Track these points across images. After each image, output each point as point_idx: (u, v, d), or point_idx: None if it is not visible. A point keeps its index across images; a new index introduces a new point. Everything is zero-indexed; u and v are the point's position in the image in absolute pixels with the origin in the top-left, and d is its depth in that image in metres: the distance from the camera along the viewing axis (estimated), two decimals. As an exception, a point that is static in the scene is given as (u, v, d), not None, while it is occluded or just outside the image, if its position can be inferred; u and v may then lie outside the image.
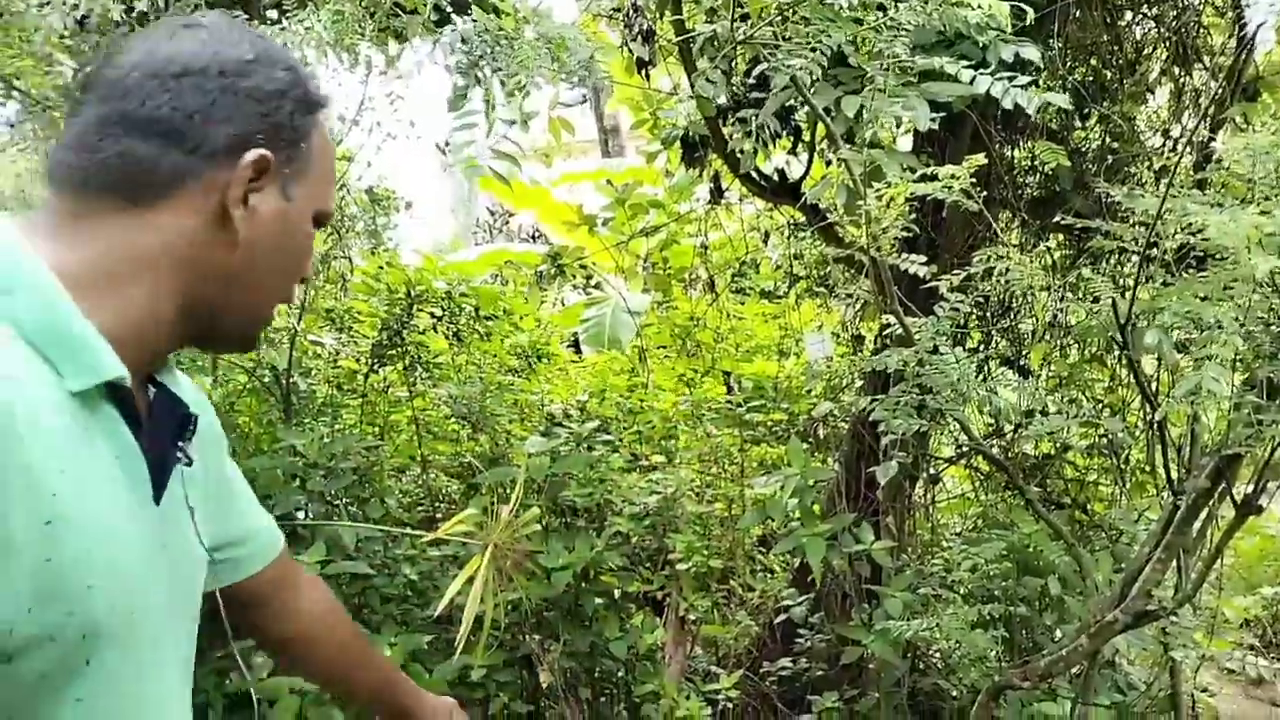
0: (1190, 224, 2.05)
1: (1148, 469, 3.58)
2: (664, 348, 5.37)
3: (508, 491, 3.44)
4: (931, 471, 4.20)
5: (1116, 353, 3.58)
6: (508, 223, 13.13)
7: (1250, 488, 2.21)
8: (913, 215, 2.51)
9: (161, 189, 0.85)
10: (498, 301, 4.83)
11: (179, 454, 0.93)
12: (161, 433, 0.91)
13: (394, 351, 4.16)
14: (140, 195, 0.84)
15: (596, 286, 6.57)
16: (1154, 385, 2.75)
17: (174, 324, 0.88)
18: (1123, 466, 3.65)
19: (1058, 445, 3.73)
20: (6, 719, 0.74)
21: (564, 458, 3.64)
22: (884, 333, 2.48)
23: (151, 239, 0.84)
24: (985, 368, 3.61)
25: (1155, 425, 2.22)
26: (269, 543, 1.25)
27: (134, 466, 0.85)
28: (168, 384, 0.94)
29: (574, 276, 7.89)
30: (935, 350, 2.25)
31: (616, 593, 3.76)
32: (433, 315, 4.30)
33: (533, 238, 11.05)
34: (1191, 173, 3.22)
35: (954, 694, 3.75)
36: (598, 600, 3.63)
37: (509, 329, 4.87)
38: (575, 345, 5.95)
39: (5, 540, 0.70)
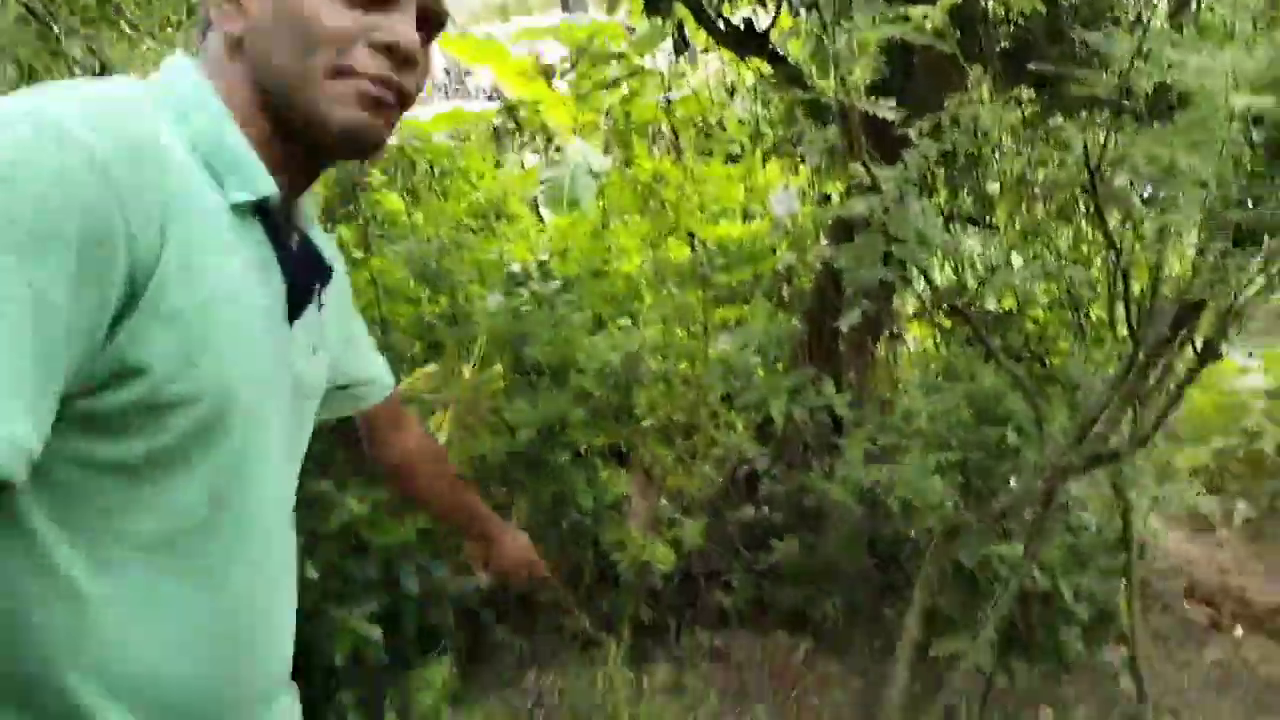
0: (1168, 65, 1.99)
1: (1108, 323, 3.62)
2: (627, 214, 5.28)
3: (469, 351, 3.43)
4: (894, 329, 4.23)
5: (1083, 208, 3.58)
6: (463, 82, 12.67)
7: (1211, 335, 2.24)
8: (883, 61, 2.43)
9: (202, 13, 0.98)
10: (453, 158, 4.68)
11: (316, 296, 1.06)
12: (303, 269, 1.02)
13: (348, 210, 4.04)
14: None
15: (557, 149, 6.41)
16: (1119, 241, 2.76)
17: (272, 133, 0.95)
18: (1083, 321, 3.70)
19: (1020, 300, 3.76)
20: (151, 481, 0.86)
21: (526, 317, 3.61)
22: (851, 185, 2.44)
23: (215, 54, 0.96)
24: (951, 225, 3.60)
25: (1118, 273, 2.22)
26: (384, 384, 1.41)
27: (274, 282, 0.96)
28: (312, 237, 1.08)
29: (534, 137, 7.68)
30: (901, 198, 2.22)
31: (582, 447, 3.81)
32: (386, 173, 4.17)
33: (490, 97, 10.68)
34: (1169, 18, 3.14)
35: (910, 536, 3.89)
36: (563, 455, 3.68)
37: (467, 188, 4.75)
38: (537, 209, 5.84)
39: (173, 310, 0.81)
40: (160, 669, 0.90)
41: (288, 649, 1.11)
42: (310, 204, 1.08)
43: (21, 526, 0.81)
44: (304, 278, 1.02)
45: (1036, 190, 3.58)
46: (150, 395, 0.81)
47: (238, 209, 0.90)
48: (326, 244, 1.13)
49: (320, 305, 1.07)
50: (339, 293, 1.18)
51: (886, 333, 4.17)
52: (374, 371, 1.37)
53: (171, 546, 0.89)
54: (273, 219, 0.95)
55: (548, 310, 3.71)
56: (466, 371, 3.15)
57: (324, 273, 1.07)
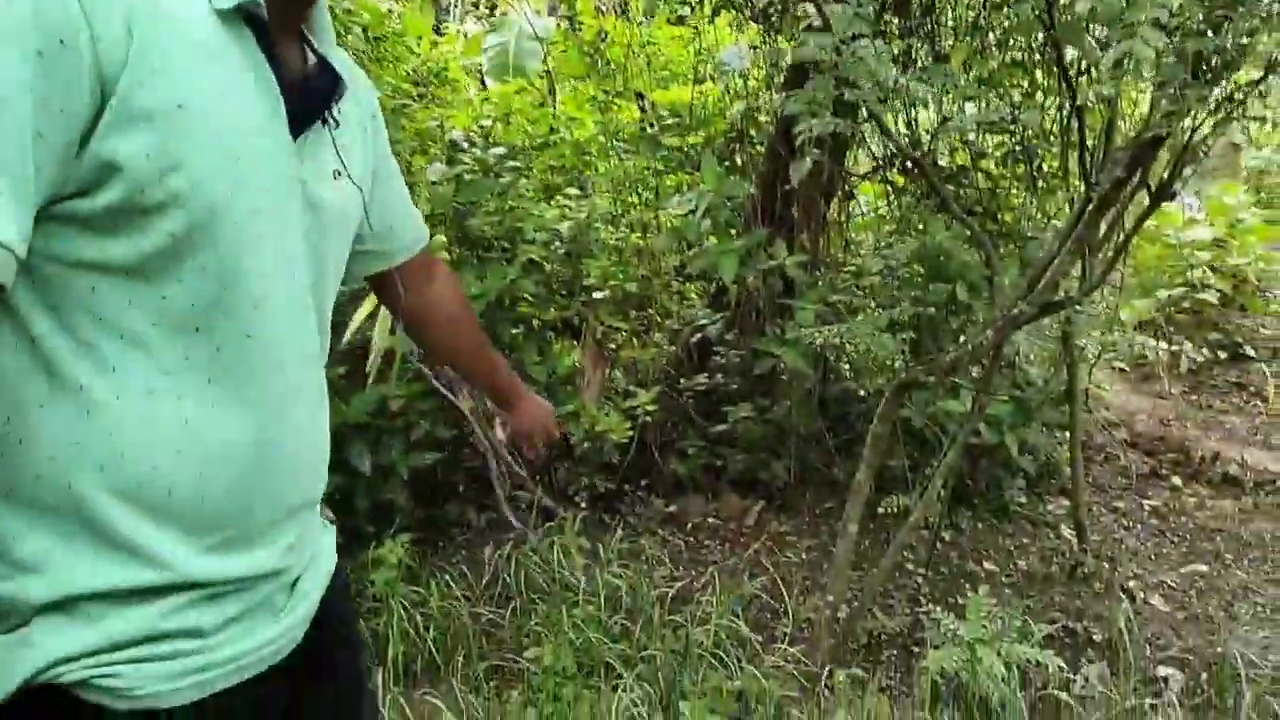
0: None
1: (1060, 175, 3.58)
2: (574, 79, 5.06)
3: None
4: (846, 189, 4.16)
5: (1038, 55, 3.48)
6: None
7: (1165, 174, 2.20)
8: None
9: None
10: (387, 22, 4.42)
11: (327, 115, 1.03)
12: (311, 87, 1.01)
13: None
14: None
15: (501, 14, 6.10)
16: (1075, 82, 2.67)
17: None
18: (1035, 173, 3.65)
19: (973, 154, 3.70)
20: (144, 281, 0.86)
21: (469, 185, 3.48)
22: (803, 28, 2.32)
23: None
24: (906, 72, 3.48)
25: (1073, 114, 2.15)
26: (417, 238, 1.35)
27: (267, 90, 0.93)
28: (326, 55, 1.05)
29: (475, 4, 7.30)
30: (854, 38, 2.11)
31: (533, 321, 3.74)
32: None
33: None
34: None
35: (861, 396, 3.92)
36: (514, 328, 3.61)
37: (405, 52, 4.50)
38: (483, 82, 5.59)
39: (144, 110, 0.81)
40: (170, 475, 0.91)
41: (316, 472, 1.11)
42: (326, 20, 1.06)
43: (23, 329, 0.84)
44: (306, 92, 0.99)
45: (992, 38, 3.46)
46: (129, 197, 0.82)
47: (224, 15, 0.89)
48: (347, 64, 1.10)
49: (335, 124, 1.04)
50: (364, 123, 1.15)
51: (838, 194, 4.09)
52: (406, 217, 1.32)
53: (171, 349, 0.89)
54: (258, 23, 0.92)
55: (492, 179, 3.57)
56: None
57: (331, 90, 1.04)
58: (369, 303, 3.08)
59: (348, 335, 3.09)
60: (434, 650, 2.95)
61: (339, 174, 1.06)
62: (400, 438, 3.41)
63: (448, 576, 3.21)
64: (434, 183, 3.40)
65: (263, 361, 0.97)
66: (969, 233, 3.12)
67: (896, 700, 2.79)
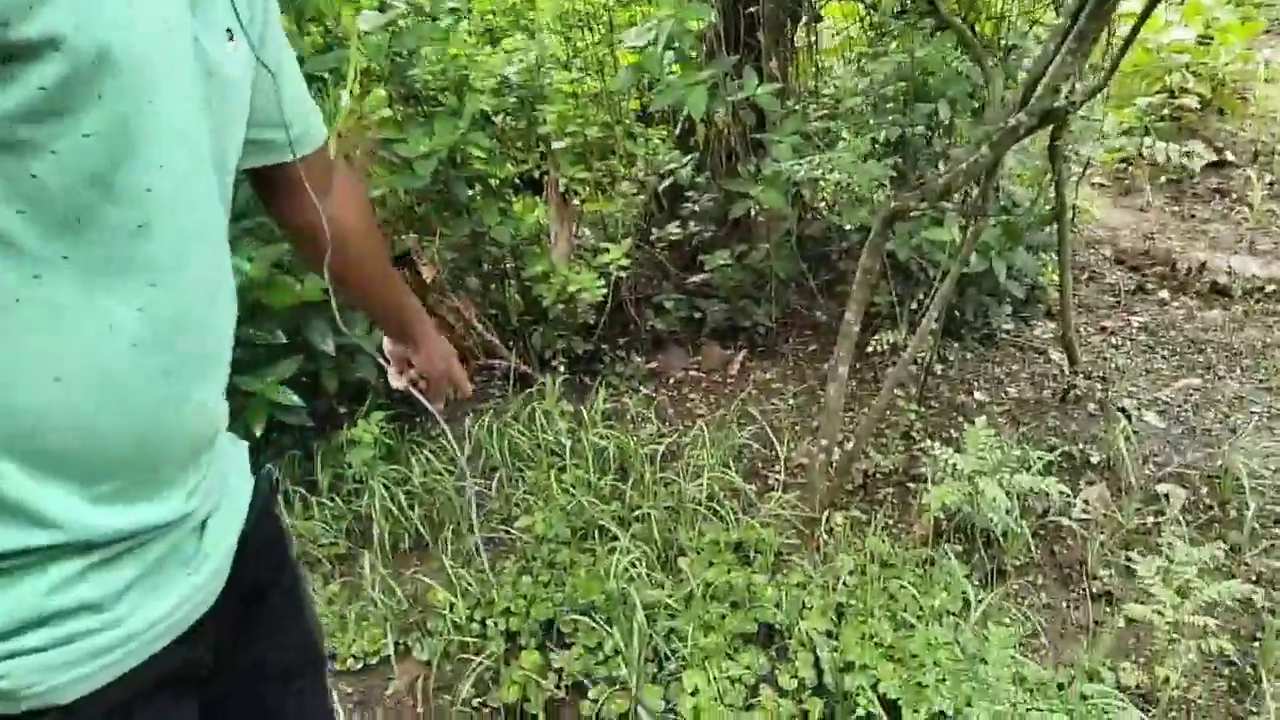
0: None
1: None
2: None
3: (344, 79, 3.00)
4: (814, 10, 3.86)
5: None
6: None
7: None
8: None
9: None
10: None
11: None
12: None
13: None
14: None
15: None
16: None
17: None
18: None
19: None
20: (15, 137, 0.67)
21: (404, 32, 3.16)
22: None
23: None
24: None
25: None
26: (309, 133, 1.11)
27: None
28: None
29: None
30: None
31: (491, 180, 3.50)
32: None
33: None
34: None
35: (841, 232, 3.75)
36: (471, 189, 3.37)
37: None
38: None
39: None
40: (49, 408, 0.74)
41: (221, 384, 0.95)
42: None
43: None
44: None
45: None
46: None
47: None
48: None
49: None
50: None
51: (804, 16, 3.80)
52: (299, 108, 1.07)
53: (45, 246, 0.71)
54: None
55: (430, 24, 3.25)
56: (345, 99, 2.75)
57: None
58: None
59: (291, 208, 2.86)
60: (420, 528, 2.86)
61: (232, 34, 0.86)
62: (361, 313, 3.22)
63: (427, 452, 3.09)
64: (366, 33, 3.09)
65: (162, 259, 0.78)
66: (953, 44, 2.89)
67: (897, 538, 2.75)
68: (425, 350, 1.40)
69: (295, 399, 2.84)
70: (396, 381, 1.44)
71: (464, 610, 2.52)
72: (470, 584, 2.58)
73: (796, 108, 3.43)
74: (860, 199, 3.02)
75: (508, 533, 2.81)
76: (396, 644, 2.49)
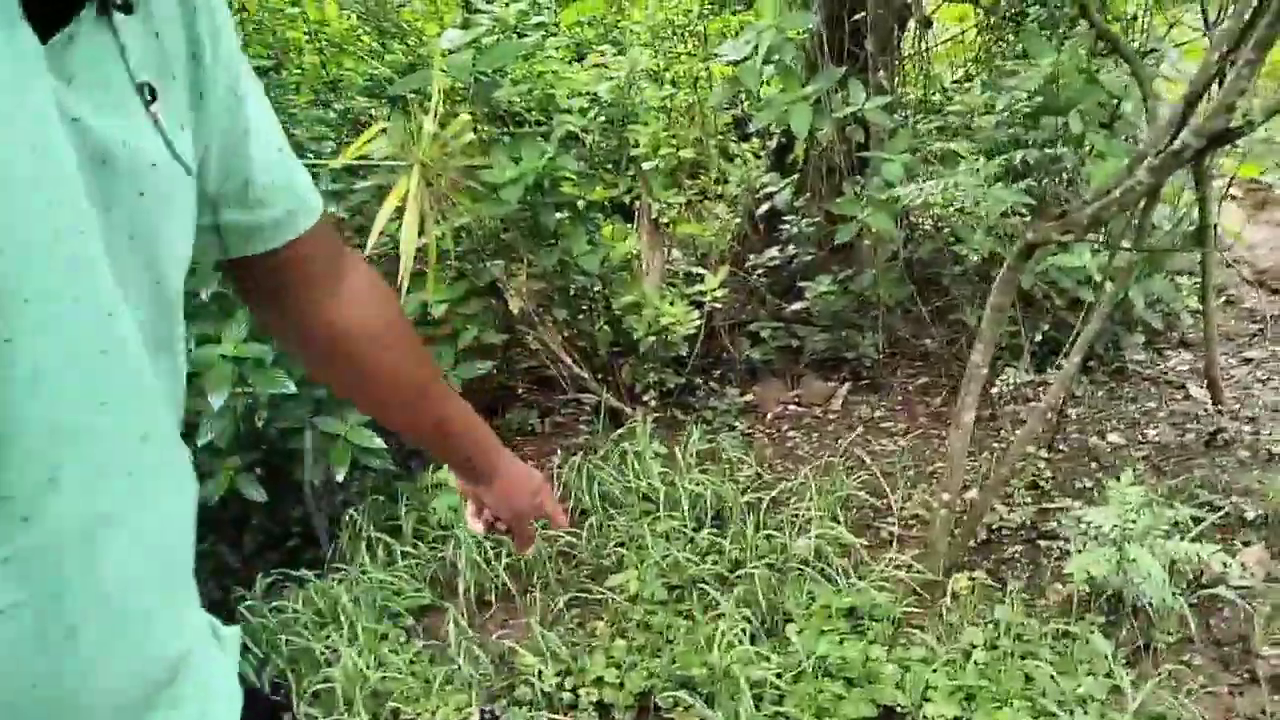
0: None
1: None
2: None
3: (429, 103, 2.86)
4: (923, 14, 3.59)
5: None
6: None
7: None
8: None
9: None
10: None
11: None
12: None
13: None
14: None
15: None
16: None
17: None
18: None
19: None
20: None
21: (490, 50, 3.00)
22: None
23: None
24: None
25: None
26: (301, 206, 0.81)
27: None
28: None
29: None
30: None
31: (579, 203, 3.32)
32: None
33: None
34: None
35: (955, 255, 3.46)
36: (559, 214, 3.20)
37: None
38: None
39: None
40: None
41: (172, 623, 0.68)
42: None
43: None
44: None
45: None
46: None
47: None
48: None
49: (123, 6, 0.59)
50: (198, 12, 0.67)
51: (913, 21, 3.53)
52: (284, 174, 0.79)
53: None
54: None
55: (515, 40, 3.09)
56: (428, 125, 2.60)
57: None
58: (393, 196, 2.68)
59: (373, 239, 2.71)
60: (507, 581, 2.69)
61: (155, 93, 0.62)
62: (448, 346, 3.07)
63: (514, 497, 2.91)
64: (449, 51, 2.93)
65: (30, 469, 0.55)
66: (1087, 49, 2.60)
67: (1030, 606, 2.47)
68: (499, 487, 1.10)
69: (378, 441, 2.69)
70: (474, 524, 1.17)
71: (553, 678, 2.34)
72: (561, 649, 2.40)
73: (907, 123, 3.17)
74: (988, 226, 2.75)
75: (600, 591, 2.62)
76: (484, 712, 2.31)
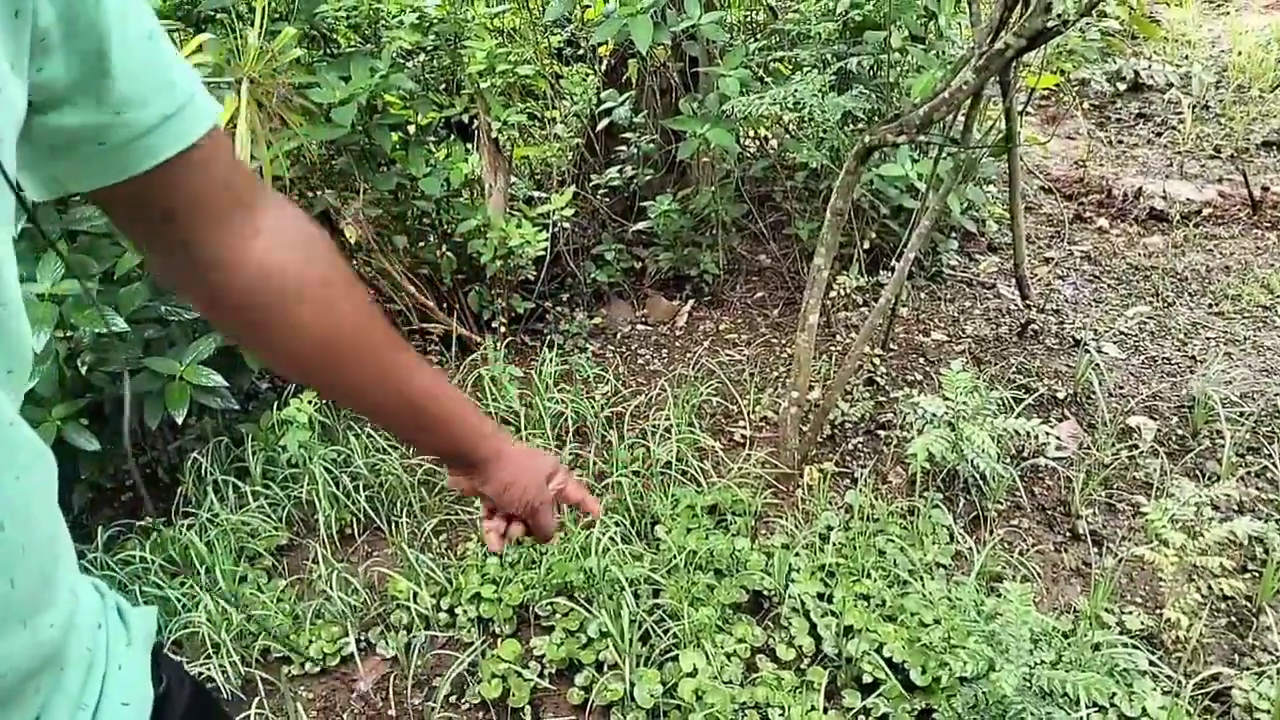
0: None
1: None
2: None
3: (251, 15, 2.68)
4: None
5: None
6: None
7: None
8: None
9: None
10: None
11: None
12: None
13: None
14: None
15: None
16: None
17: None
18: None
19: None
20: None
21: (311, -37, 2.84)
22: None
23: None
24: None
25: None
26: (184, 106, 0.65)
27: None
28: None
29: None
30: None
31: (414, 125, 3.21)
32: None
33: None
34: None
35: (787, 172, 3.59)
36: (394, 135, 3.08)
37: None
38: None
39: None
40: None
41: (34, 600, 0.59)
42: None
43: None
44: None
45: None
46: None
47: None
48: None
49: None
50: None
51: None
52: (161, 77, 0.64)
53: None
54: None
55: (337, -46, 2.93)
56: (253, 37, 2.44)
57: None
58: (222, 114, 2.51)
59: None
60: (370, 512, 2.63)
61: None
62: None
63: (369, 429, 2.84)
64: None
65: None
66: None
67: (875, 490, 2.64)
68: (501, 476, 0.95)
69: (217, 379, 2.55)
70: (491, 539, 1.00)
71: (429, 599, 2.32)
72: (435, 571, 2.38)
73: (740, 39, 3.23)
74: (821, 135, 2.86)
75: (467, 512, 2.61)
76: (358, 641, 2.28)
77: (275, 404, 2.84)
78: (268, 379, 3.12)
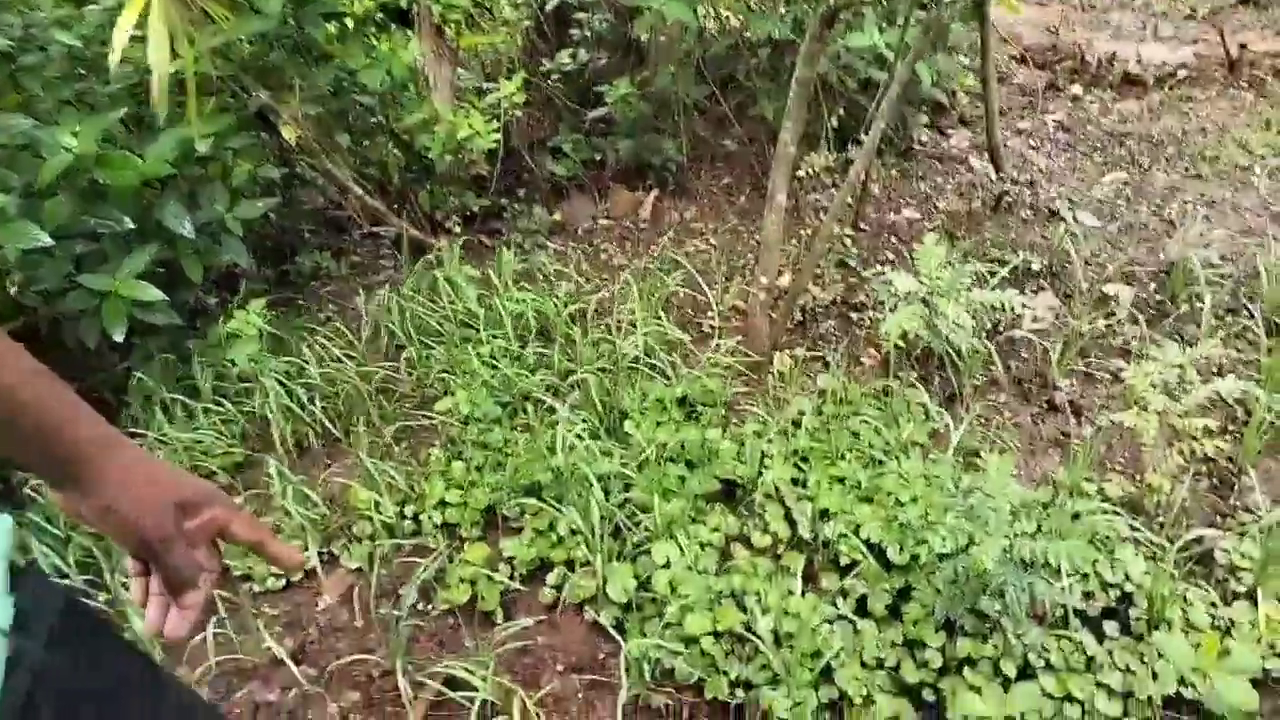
0: None
1: None
2: None
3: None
4: None
5: None
6: None
7: None
8: None
9: None
10: None
11: None
12: None
13: None
14: None
15: None
16: None
17: None
18: None
19: None
20: None
21: None
22: None
23: None
24: None
25: None
26: None
27: None
28: None
29: None
30: None
31: (349, 16, 3.00)
32: None
33: None
34: None
35: (750, 47, 3.41)
36: (329, 26, 2.88)
37: None
38: None
39: None
40: None
41: None
42: None
43: None
44: None
45: None
46: None
47: None
48: None
49: None
50: None
51: None
52: None
53: None
54: None
55: None
56: (154, -78, 2.23)
57: None
58: (131, 8, 2.32)
59: (114, 63, 2.35)
60: (326, 423, 2.54)
61: None
62: (220, 187, 2.76)
63: (320, 338, 2.73)
64: None
65: None
66: None
67: (849, 373, 2.57)
68: (95, 495, 0.75)
69: (156, 293, 2.42)
70: (134, 589, 0.81)
71: (392, 508, 2.25)
72: (397, 478, 2.30)
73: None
74: (785, 6, 2.69)
75: (428, 418, 2.52)
76: (321, 554, 2.21)
77: (221, 318, 2.71)
78: (215, 292, 2.99)
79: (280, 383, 2.57)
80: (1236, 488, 2.08)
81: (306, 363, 2.65)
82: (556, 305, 2.80)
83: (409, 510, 2.27)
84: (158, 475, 0.77)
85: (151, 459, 0.79)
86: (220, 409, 2.58)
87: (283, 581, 2.18)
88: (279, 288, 3.13)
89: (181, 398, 2.57)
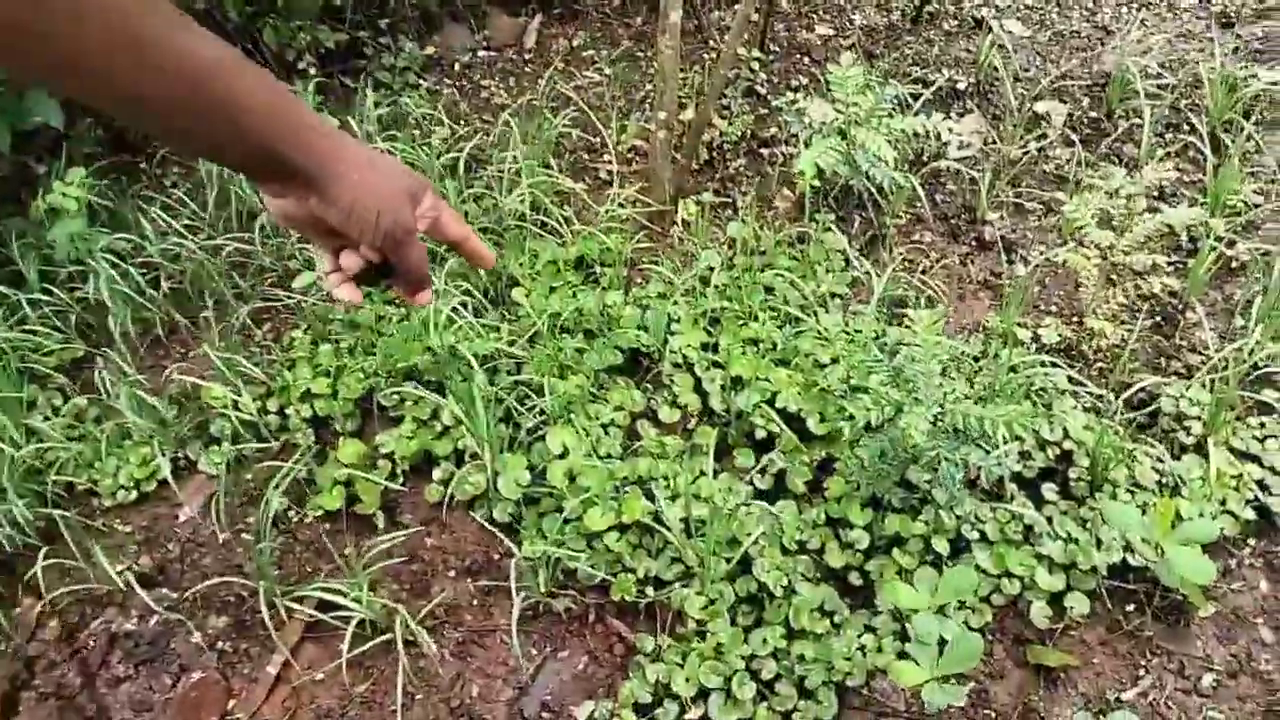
0: None
1: None
2: None
3: None
4: None
5: None
6: None
7: None
8: None
9: None
10: None
11: None
12: None
13: None
14: None
15: None
16: None
17: None
18: None
19: None
20: None
21: None
22: None
23: None
24: None
25: None
26: None
27: None
28: None
29: None
30: None
31: None
32: None
33: None
34: None
35: None
36: None
37: None
38: None
39: None
40: None
41: None
42: None
43: None
44: None
45: None
46: None
47: None
48: None
49: None
50: None
51: None
52: None
53: None
54: None
55: None
56: None
57: None
58: None
59: None
60: (173, 309, 2.21)
61: None
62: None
63: (158, 208, 2.37)
64: None
65: None
66: None
67: (761, 218, 2.32)
68: (336, 191, 0.65)
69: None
70: (334, 281, 0.71)
71: (252, 405, 1.97)
72: (250, 369, 2.01)
73: None
74: None
75: (289, 296, 2.21)
76: (175, 461, 1.94)
77: (41, 191, 2.31)
78: (35, 155, 2.55)
79: (114, 265, 2.22)
80: (1180, 325, 1.92)
81: (144, 239, 2.28)
82: (429, 155, 2.44)
83: (272, 405, 2.00)
84: (385, 166, 0.69)
85: (365, 145, 0.69)
86: (50, 299, 2.22)
87: (133, 494, 1.92)
88: (116, 151, 2.71)
89: (3, 288, 2.21)
